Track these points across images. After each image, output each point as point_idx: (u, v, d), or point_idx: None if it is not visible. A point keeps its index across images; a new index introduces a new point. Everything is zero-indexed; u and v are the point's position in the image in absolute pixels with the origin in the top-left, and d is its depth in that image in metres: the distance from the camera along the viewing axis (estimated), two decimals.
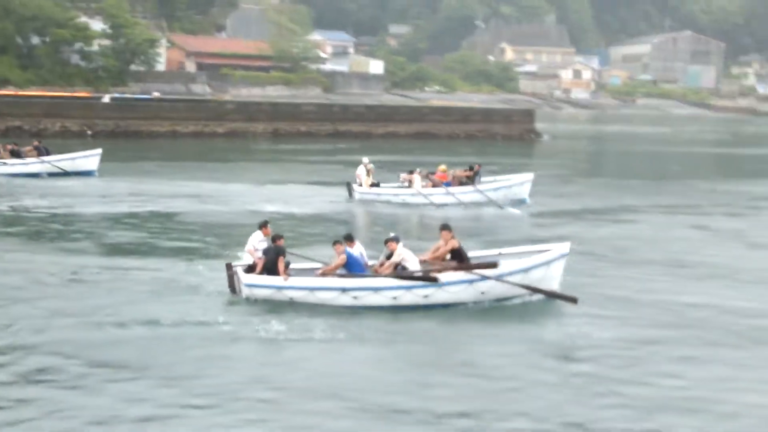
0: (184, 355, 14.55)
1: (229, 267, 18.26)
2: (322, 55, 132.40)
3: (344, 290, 17.40)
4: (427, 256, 18.10)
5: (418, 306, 17.19)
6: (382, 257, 18.20)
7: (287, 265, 18.02)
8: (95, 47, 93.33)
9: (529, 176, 33.33)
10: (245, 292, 17.85)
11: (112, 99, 66.83)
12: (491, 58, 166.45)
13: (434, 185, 32.51)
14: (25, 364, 13.92)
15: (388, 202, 32.34)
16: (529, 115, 76.01)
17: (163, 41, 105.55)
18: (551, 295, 17.45)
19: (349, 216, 30.53)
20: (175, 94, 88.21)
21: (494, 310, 17.30)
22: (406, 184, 32.89)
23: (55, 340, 15.12)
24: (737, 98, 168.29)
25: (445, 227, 18.16)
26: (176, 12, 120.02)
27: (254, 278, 17.87)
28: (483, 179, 33.14)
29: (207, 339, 15.36)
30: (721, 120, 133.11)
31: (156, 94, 77.63)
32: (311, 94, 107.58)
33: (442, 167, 32.99)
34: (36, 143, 39.99)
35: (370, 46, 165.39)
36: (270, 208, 30.21)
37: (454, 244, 17.84)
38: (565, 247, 18.26)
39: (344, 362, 14.34)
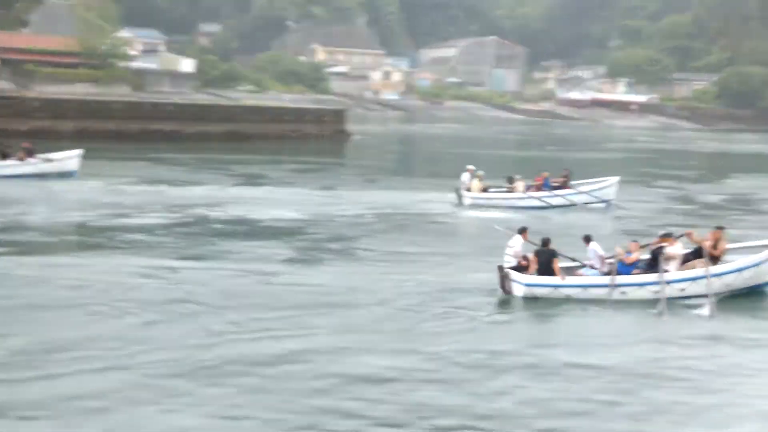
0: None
1: (500, 268, 19.87)
2: (132, 52, 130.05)
3: (614, 287, 19.47)
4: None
5: (674, 298, 19.26)
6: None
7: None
8: None
9: (615, 179, 36.21)
10: (522, 291, 19.55)
11: None
12: (303, 58, 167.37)
13: (537, 189, 35.07)
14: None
15: (498, 206, 33.83)
16: (339, 115, 77.15)
17: None
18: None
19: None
20: None
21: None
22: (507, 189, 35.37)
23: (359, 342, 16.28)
24: (539, 102, 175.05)
25: (720, 227, 21.15)
26: None
27: (533, 278, 19.58)
28: (573, 182, 36.08)
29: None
30: (523, 122, 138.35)
31: None
32: (120, 92, 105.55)
33: (544, 173, 35.71)
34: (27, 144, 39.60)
35: (181, 44, 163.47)
36: (406, 210, 32.91)
37: (725, 245, 20.65)
38: None
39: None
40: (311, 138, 70.51)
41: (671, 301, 19.11)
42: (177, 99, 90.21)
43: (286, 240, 26.42)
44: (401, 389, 13.86)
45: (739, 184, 50.93)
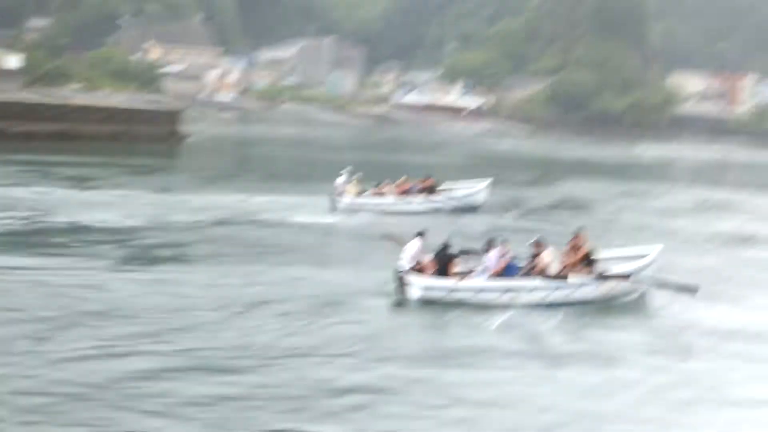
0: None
1: (398, 271, 19.85)
2: None
3: (505, 291, 19.81)
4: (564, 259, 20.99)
5: (560, 303, 19.88)
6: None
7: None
8: None
9: (485, 183, 37.16)
10: (419, 294, 19.64)
11: None
12: (137, 56, 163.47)
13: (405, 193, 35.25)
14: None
15: (371, 212, 32.96)
16: (173, 116, 75.44)
17: None
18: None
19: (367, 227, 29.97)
20: None
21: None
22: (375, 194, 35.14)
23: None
24: (374, 105, 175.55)
25: (581, 229, 21.62)
26: None
27: (429, 281, 19.58)
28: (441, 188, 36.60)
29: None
30: (359, 126, 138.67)
31: None
32: None
33: (403, 179, 35.93)
34: None
35: (7, 38, 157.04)
36: (298, 219, 31.66)
37: (586, 249, 20.94)
38: (658, 248, 22.09)
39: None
40: (144, 139, 68.55)
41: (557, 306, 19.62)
42: (0, 97, 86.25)
43: (119, 246, 25.33)
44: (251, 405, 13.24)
45: (569, 188, 52.56)
